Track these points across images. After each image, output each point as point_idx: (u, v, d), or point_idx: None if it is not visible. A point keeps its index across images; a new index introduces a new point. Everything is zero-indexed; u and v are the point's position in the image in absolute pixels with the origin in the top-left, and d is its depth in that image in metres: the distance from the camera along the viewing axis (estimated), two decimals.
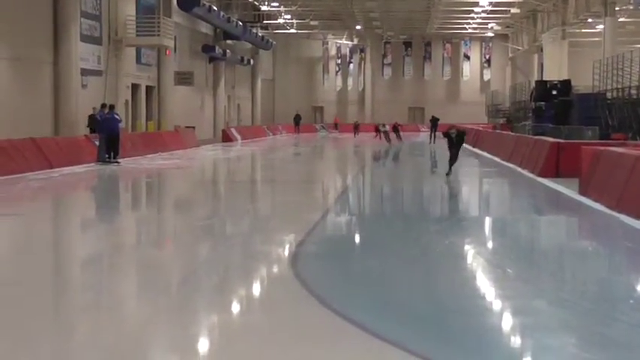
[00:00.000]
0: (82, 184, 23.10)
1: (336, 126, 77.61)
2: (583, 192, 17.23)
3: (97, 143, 28.72)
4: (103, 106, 29.82)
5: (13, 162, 23.05)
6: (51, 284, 9.32)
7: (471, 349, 6.33)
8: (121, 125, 30.20)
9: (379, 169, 31.42)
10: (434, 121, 53.23)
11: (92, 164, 27.57)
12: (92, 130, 30.61)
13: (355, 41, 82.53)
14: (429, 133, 54.53)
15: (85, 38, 34.95)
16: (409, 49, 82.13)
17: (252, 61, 67.83)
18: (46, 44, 32.15)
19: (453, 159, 23.22)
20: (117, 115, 29.48)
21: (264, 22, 69.12)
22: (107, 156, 28.34)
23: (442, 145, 27.23)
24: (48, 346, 6.50)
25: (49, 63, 32.27)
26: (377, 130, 54.69)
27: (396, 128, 53.63)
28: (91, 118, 31.65)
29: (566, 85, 41.92)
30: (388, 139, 50.14)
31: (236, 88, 66.01)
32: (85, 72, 34.55)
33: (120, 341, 6.60)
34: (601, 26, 48.12)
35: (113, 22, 38.82)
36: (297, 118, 75.91)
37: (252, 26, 64.33)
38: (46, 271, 10.08)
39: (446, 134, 23.44)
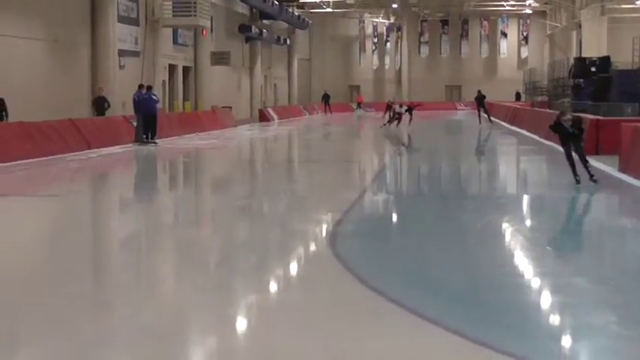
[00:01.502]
0: (120, 164, 23.24)
1: (359, 105, 75.25)
2: (623, 169, 17.06)
3: (135, 124, 28.85)
4: (141, 86, 29.89)
5: (51, 143, 23.22)
6: (90, 264, 9.39)
7: (511, 327, 6.29)
8: (159, 106, 30.30)
9: (417, 149, 31.29)
10: (480, 99, 44.91)
11: (130, 145, 27.70)
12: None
13: (392, 20, 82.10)
14: (475, 113, 46.55)
15: (122, 19, 35.05)
16: (446, 27, 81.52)
17: (288, 41, 67.71)
18: (84, 25, 32.28)
19: (582, 158, 15.45)
20: (154, 95, 29.55)
21: (301, 1, 68.92)
22: (145, 136, 28.46)
23: (494, 130, 26.83)
24: (88, 325, 6.54)
25: (86, 44, 32.40)
26: (388, 109, 44.92)
27: (410, 109, 42.38)
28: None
29: (605, 61, 41.44)
30: (391, 120, 40.74)
31: (272, 67, 65.97)
32: (122, 53, 34.67)
33: (159, 321, 6.63)
34: None
35: (150, 2, 38.90)
36: (326, 97, 72.32)
37: (288, 5, 64.14)
38: (85, 251, 10.15)
39: (556, 125, 15.51)
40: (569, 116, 15.80)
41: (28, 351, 5.92)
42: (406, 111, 41.34)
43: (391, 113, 42.04)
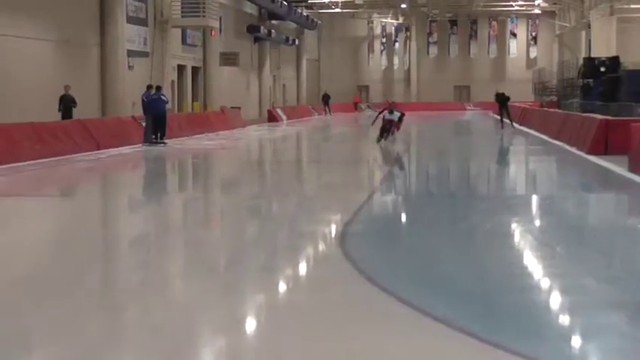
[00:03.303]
0: (129, 164, 23.28)
1: (356, 106, 74.31)
2: (633, 169, 17.02)
3: (144, 124, 28.89)
4: (149, 87, 29.93)
5: (61, 143, 23.27)
6: (99, 264, 9.40)
7: (521, 328, 6.28)
8: (168, 106, 30.34)
9: (433, 149, 31.25)
10: (502, 100, 39.46)
11: (139, 145, 27.74)
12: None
13: (400, 20, 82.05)
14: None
15: (131, 20, 35.11)
16: (455, 27, 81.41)
17: (297, 41, 67.72)
18: (93, 26, 32.35)
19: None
20: (163, 96, 29.59)
21: (309, 1, 68.92)
22: (154, 137, 28.50)
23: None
24: (97, 325, 6.55)
25: (95, 45, 32.47)
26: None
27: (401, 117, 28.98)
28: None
29: (614, 61, 41.35)
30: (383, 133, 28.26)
31: (281, 68, 65.98)
32: (131, 53, 34.72)
33: (169, 321, 6.64)
34: None
35: (159, 3, 38.97)
36: (326, 98, 69.42)
37: (296, 6, 64.16)
38: (95, 251, 10.17)
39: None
40: None
41: (37, 351, 5.92)
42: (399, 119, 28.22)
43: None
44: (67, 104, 27.72)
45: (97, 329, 6.40)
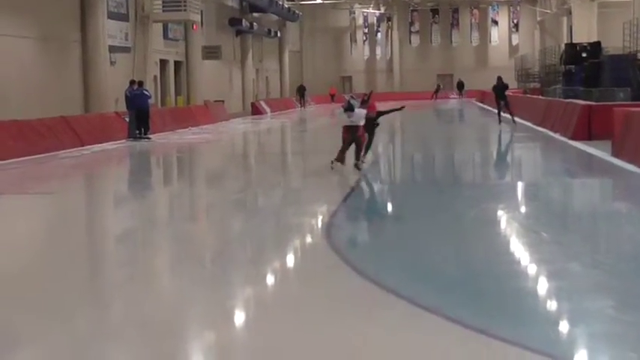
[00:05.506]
0: (113, 160, 23.21)
1: (332, 97, 71.69)
2: (616, 154, 17.09)
3: (128, 120, 28.81)
4: (132, 82, 29.83)
5: (44, 140, 23.18)
6: (86, 260, 9.39)
7: (508, 314, 6.31)
8: (151, 101, 30.25)
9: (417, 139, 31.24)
10: (500, 89, 32.02)
11: (123, 141, 27.67)
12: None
13: (382, 10, 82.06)
14: (494, 109, 33.70)
15: (112, 15, 34.94)
16: (436, 16, 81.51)
17: (279, 33, 67.58)
18: (73, 22, 32.19)
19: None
20: (146, 91, 29.52)
21: None
22: (137, 132, 28.43)
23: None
24: (85, 320, 6.54)
25: (76, 41, 32.31)
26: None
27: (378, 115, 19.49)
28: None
29: (595, 47, 41.44)
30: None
31: (264, 60, 65.87)
32: (113, 49, 34.55)
33: (156, 315, 6.64)
34: None
35: None
36: (302, 90, 67.70)
37: None
38: (81, 247, 10.16)
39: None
40: None
41: (26, 347, 5.91)
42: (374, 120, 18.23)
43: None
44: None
45: (83, 325, 6.39)
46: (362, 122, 16.22)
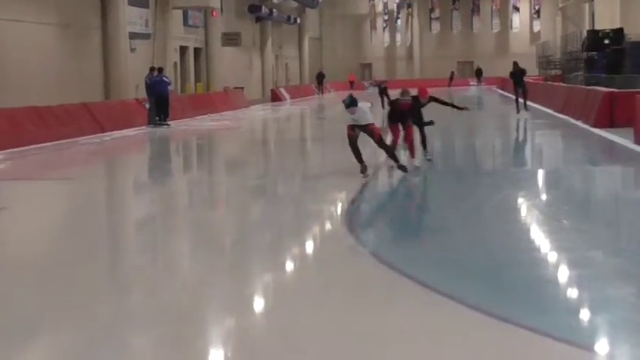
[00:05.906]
0: (133, 147, 23.26)
1: (351, 84, 69.53)
2: (638, 141, 16.97)
3: (147, 106, 28.86)
4: (152, 69, 29.86)
5: (65, 127, 23.25)
6: (106, 246, 9.41)
7: (529, 302, 6.26)
8: (170, 88, 30.28)
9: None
10: (518, 74, 29.24)
11: (143, 127, 27.73)
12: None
13: None
14: (513, 95, 30.59)
15: (133, 2, 34.96)
16: (457, 2, 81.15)
17: (298, 20, 67.47)
18: (94, 9, 32.24)
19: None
20: (166, 77, 29.54)
21: None
22: (157, 118, 28.48)
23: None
24: (105, 306, 6.55)
25: (97, 28, 32.36)
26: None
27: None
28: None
29: (618, 33, 41.19)
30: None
31: (283, 47, 65.79)
32: (133, 36, 34.61)
33: (176, 301, 6.63)
34: None
35: None
36: (320, 77, 67.89)
37: None
38: (101, 233, 10.17)
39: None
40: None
41: (47, 333, 5.93)
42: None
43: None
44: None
45: (104, 311, 6.40)
46: (370, 120, 13.66)
